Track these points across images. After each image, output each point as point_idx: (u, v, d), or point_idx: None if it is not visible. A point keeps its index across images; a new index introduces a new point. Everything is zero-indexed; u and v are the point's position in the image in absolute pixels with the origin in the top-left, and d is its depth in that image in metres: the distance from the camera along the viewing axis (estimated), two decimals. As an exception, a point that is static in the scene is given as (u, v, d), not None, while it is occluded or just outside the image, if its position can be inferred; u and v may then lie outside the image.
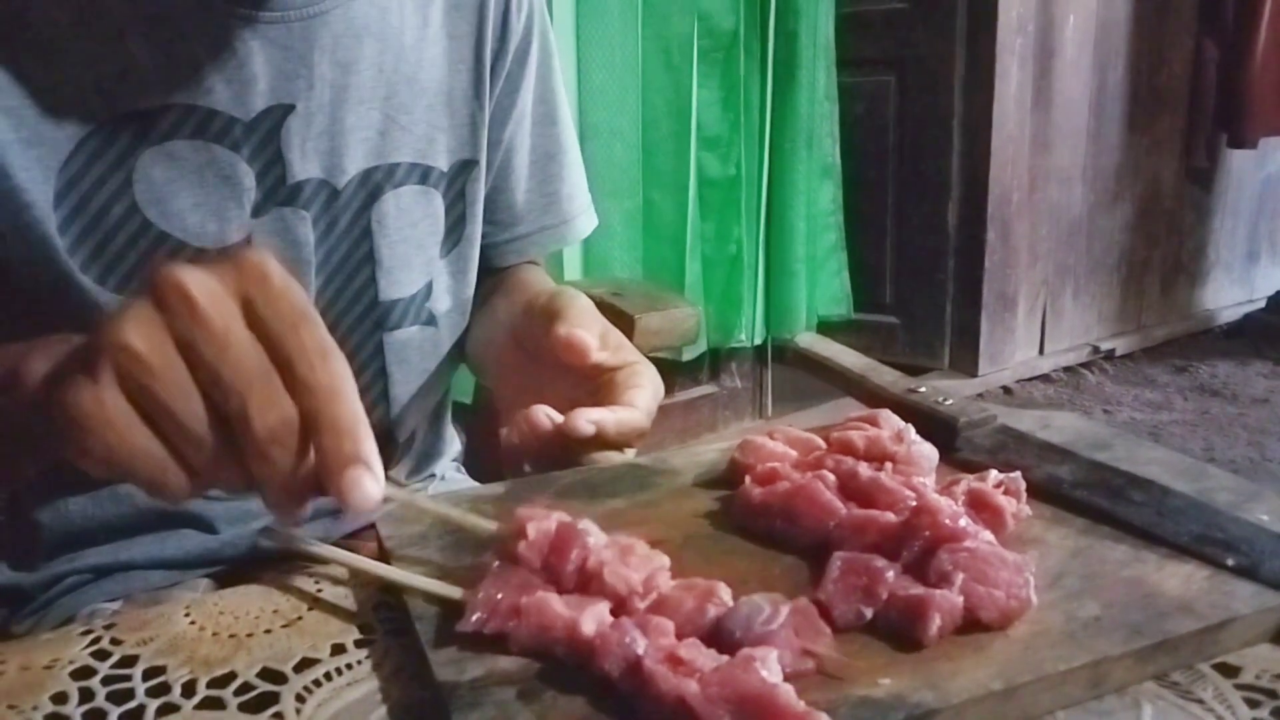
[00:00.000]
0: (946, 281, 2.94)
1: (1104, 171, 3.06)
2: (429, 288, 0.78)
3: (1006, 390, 2.97)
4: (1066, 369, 3.10)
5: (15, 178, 0.62)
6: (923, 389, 0.64)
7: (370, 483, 0.39)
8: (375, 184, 0.73)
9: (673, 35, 2.21)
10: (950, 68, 2.79)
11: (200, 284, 0.39)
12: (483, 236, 0.82)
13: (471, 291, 0.82)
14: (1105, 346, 3.18)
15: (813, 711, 0.35)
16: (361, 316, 0.75)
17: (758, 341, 2.58)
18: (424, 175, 0.75)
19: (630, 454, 0.61)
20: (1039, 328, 3.06)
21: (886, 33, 2.87)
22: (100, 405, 0.38)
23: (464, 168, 0.78)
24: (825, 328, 2.69)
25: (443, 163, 0.76)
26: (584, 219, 0.89)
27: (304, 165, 0.69)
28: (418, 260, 0.76)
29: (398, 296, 0.76)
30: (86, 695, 0.42)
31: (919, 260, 2.97)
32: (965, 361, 2.96)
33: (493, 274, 0.85)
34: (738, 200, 2.41)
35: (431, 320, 0.79)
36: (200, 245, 0.67)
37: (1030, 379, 3.03)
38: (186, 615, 0.48)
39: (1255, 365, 3.11)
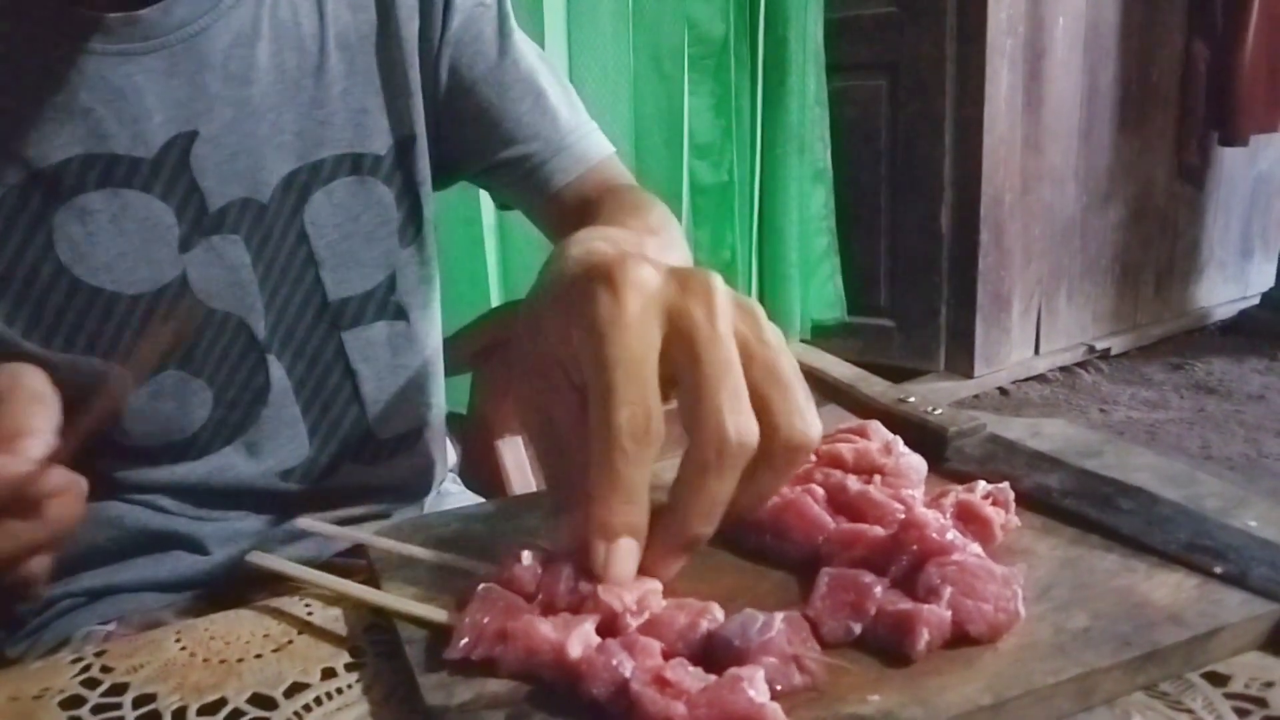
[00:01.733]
0: (941, 284, 2.94)
1: (1096, 171, 3.07)
2: (391, 280, 0.75)
3: (1003, 391, 2.97)
4: (1062, 369, 3.10)
5: None
6: (912, 399, 0.64)
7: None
8: (301, 185, 0.70)
9: (663, 43, 2.21)
10: (941, 70, 2.79)
11: None
12: (527, 159, 0.77)
13: (437, 277, 0.79)
14: (1101, 346, 3.18)
15: (800, 731, 0.35)
16: (315, 320, 0.73)
17: (753, 347, 2.58)
18: (355, 164, 0.72)
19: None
20: (1034, 328, 3.07)
21: (877, 36, 2.88)
22: None
23: (405, 146, 0.74)
24: (820, 332, 2.69)
25: (379, 146, 0.73)
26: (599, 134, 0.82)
27: (223, 189, 0.67)
28: (369, 254, 0.74)
29: (350, 294, 0.74)
30: (76, 725, 0.42)
31: (913, 263, 2.97)
32: (961, 363, 2.96)
33: (554, 203, 0.77)
34: (731, 206, 2.42)
35: (400, 314, 0.77)
36: (135, 293, 0.66)
37: (1026, 379, 3.03)
38: (177, 641, 0.48)
39: (1251, 362, 3.12)
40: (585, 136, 0.79)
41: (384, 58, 0.73)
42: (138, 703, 0.43)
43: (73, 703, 0.43)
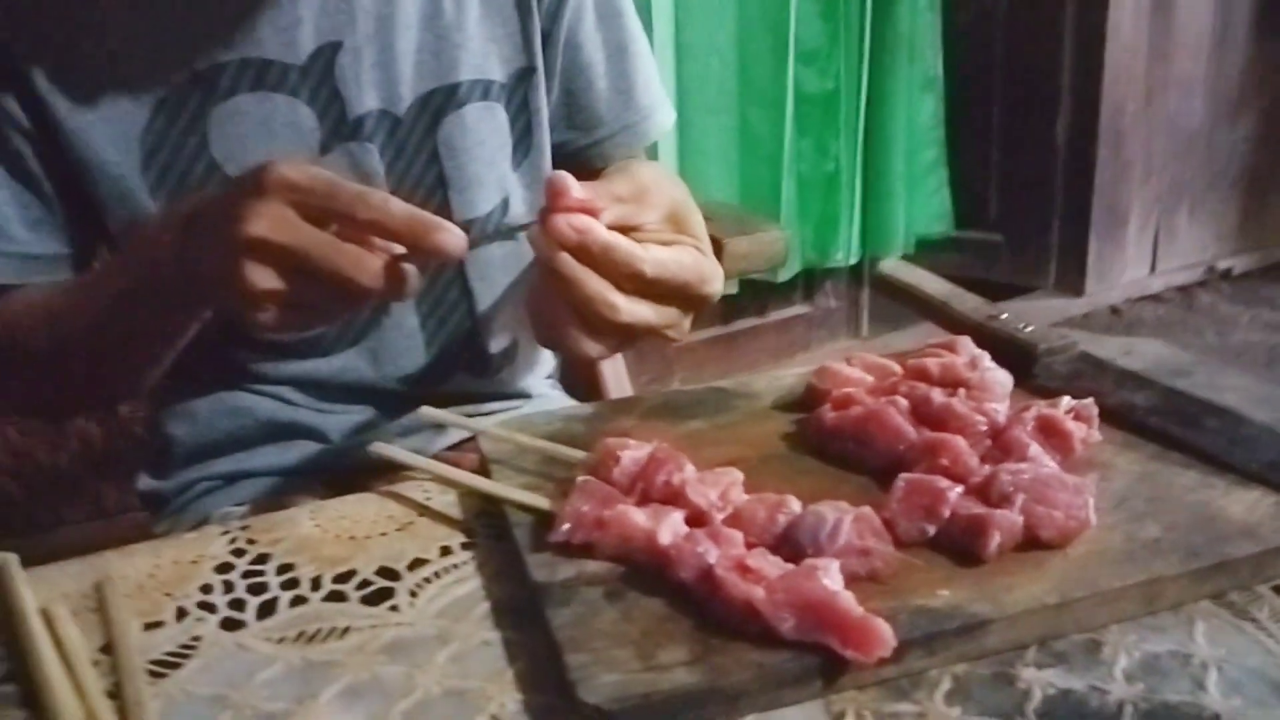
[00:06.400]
0: (1054, 198, 2.84)
1: (1228, 81, 2.90)
2: (505, 203, 0.79)
3: (1114, 310, 2.88)
4: (1179, 288, 2.99)
5: (102, 152, 0.68)
6: (1004, 315, 0.65)
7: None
8: (437, 106, 0.75)
9: (770, -52, 2.16)
10: (1063, -28, 2.66)
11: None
12: (564, 144, 0.82)
13: None
14: (1222, 265, 3.05)
15: (870, 616, 0.38)
16: None
17: (854, 261, 2.56)
18: (485, 90, 0.76)
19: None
20: (1151, 246, 2.95)
21: (996, -64, 2.75)
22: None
23: (523, 76, 0.78)
24: (925, 246, 2.65)
25: (501, 75, 0.77)
26: (663, 112, 0.86)
27: (361, 99, 0.72)
28: (490, 177, 0.78)
29: (473, 216, 0.78)
30: (228, 587, 0.48)
31: (1025, 176, 2.88)
32: (1072, 280, 2.87)
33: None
34: (836, 116, 2.37)
35: (511, 234, 0.81)
36: None
37: (1140, 299, 2.93)
38: (311, 519, 0.53)
39: (1385, 285, 2.96)
40: (645, 119, 0.84)
41: None
42: (279, 570, 0.49)
43: (224, 568, 0.49)
